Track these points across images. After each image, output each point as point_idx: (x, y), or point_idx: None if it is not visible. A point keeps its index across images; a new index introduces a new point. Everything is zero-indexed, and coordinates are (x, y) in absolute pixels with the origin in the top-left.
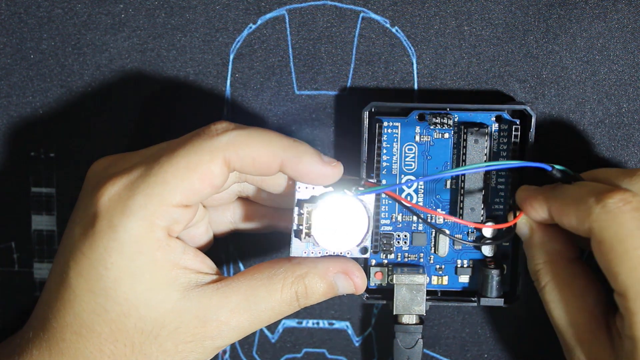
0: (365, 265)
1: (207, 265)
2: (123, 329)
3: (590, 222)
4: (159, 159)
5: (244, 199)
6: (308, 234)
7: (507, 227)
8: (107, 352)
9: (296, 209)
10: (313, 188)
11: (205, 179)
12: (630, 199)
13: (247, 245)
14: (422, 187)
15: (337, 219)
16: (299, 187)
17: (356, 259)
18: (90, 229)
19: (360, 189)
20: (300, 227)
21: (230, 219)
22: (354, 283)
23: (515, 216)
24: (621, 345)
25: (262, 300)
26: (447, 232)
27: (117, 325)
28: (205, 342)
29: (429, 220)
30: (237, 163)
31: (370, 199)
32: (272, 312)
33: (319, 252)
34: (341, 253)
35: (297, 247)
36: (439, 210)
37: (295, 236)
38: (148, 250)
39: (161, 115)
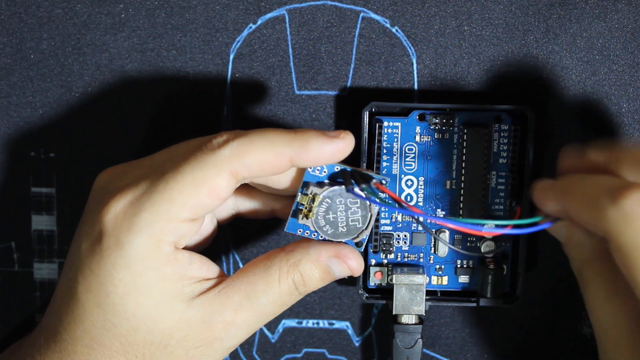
0: (365, 265)
1: (211, 271)
2: (133, 342)
3: (605, 225)
4: (164, 175)
5: (245, 187)
6: (307, 216)
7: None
8: None
9: (302, 189)
10: (324, 171)
11: (213, 194)
12: None
13: (248, 243)
14: (422, 187)
15: (339, 210)
16: (310, 167)
17: None
18: (97, 246)
19: (376, 188)
20: (301, 206)
21: (232, 205)
22: (349, 266)
23: (514, 211)
24: None
25: (262, 294)
26: (447, 232)
27: (127, 339)
28: (215, 344)
29: (428, 222)
30: (246, 172)
31: (377, 198)
32: (274, 305)
33: (313, 235)
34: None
35: (293, 225)
36: (438, 210)
37: (293, 215)
38: (156, 266)
39: (161, 115)
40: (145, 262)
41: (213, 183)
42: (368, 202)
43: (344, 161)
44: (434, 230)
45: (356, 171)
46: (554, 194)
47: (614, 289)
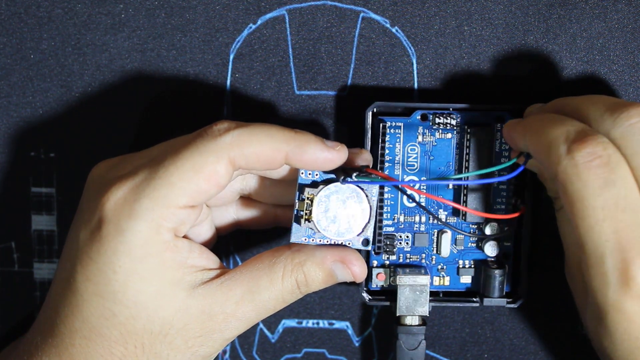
0: (367, 265)
1: (211, 261)
2: (132, 331)
3: (557, 171)
4: (163, 161)
5: (246, 197)
6: (308, 220)
7: (509, 225)
8: (118, 354)
9: (297, 194)
10: (316, 174)
11: (212, 180)
12: (600, 153)
13: (247, 243)
14: (425, 187)
15: (339, 207)
16: (302, 172)
17: (359, 251)
18: (97, 233)
19: (368, 173)
20: (301, 212)
21: (233, 215)
22: (352, 272)
23: (517, 210)
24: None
25: (265, 290)
26: (449, 232)
27: (126, 327)
28: (214, 335)
29: (431, 213)
30: (242, 161)
31: (373, 188)
32: (275, 301)
33: (319, 240)
34: (342, 242)
35: (297, 233)
36: (440, 210)
37: (295, 221)
38: (156, 252)
39: (161, 115)
40: (146, 248)
41: (212, 169)
42: (365, 194)
43: None
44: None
45: (347, 167)
46: (520, 133)
47: None
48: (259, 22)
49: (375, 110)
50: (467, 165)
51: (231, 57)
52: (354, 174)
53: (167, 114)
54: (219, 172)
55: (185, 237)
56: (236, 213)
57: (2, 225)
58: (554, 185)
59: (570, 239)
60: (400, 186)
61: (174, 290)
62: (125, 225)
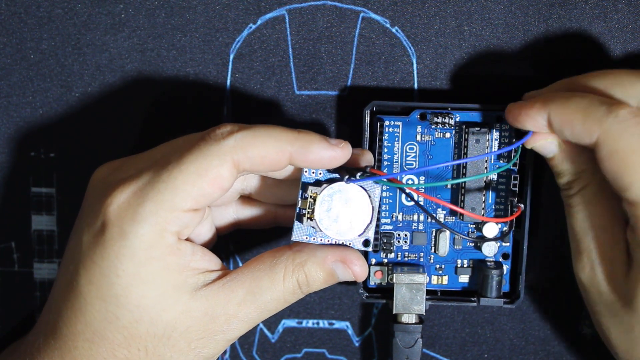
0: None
1: (213, 262)
2: (135, 334)
3: (601, 132)
4: (167, 164)
5: (246, 197)
6: (310, 218)
7: (509, 225)
8: (121, 357)
9: (300, 192)
10: (320, 173)
11: (216, 183)
12: (639, 113)
13: (247, 243)
14: (423, 187)
15: (341, 207)
16: (306, 171)
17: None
18: (101, 237)
19: (371, 173)
20: (303, 210)
21: (233, 215)
22: (353, 272)
23: (513, 213)
24: (634, 253)
25: (266, 290)
26: (447, 232)
27: (130, 331)
28: (217, 336)
29: (429, 212)
30: (247, 164)
31: (376, 189)
32: (277, 302)
33: (320, 239)
34: (342, 242)
35: (299, 231)
36: (439, 210)
37: (297, 219)
38: (160, 255)
39: (161, 115)
40: (149, 252)
41: (216, 172)
42: (368, 195)
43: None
44: (433, 224)
45: (350, 167)
46: (539, 104)
47: (603, 194)
48: (259, 22)
49: (374, 109)
50: (464, 164)
51: (231, 57)
52: (358, 174)
53: (167, 114)
54: (223, 176)
55: (187, 239)
56: (236, 213)
57: (2, 225)
58: (576, 164)
59: (597, 220)
60: (401, 187)
61: (177, 294)
62: (128, 229)
